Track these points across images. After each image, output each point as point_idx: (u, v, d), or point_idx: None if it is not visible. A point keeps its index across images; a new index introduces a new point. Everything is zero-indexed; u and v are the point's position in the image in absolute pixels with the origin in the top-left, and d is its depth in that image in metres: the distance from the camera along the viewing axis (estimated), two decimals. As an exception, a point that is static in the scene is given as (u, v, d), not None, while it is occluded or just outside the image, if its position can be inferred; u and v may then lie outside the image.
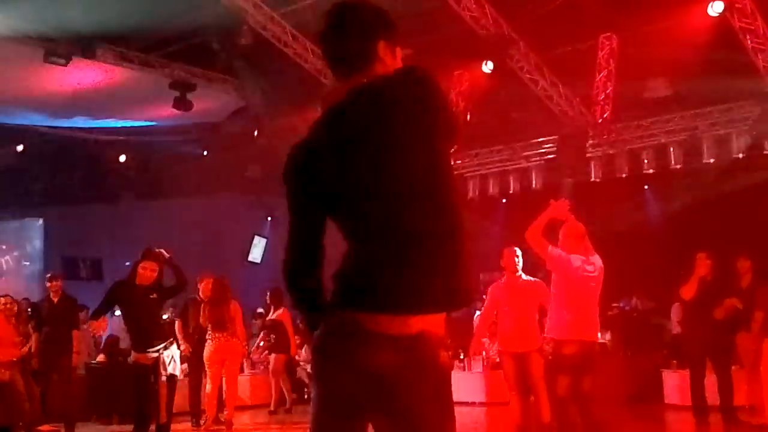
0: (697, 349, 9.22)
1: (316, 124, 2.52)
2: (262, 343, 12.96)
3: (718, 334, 9.00)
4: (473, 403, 12.48)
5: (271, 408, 12.19)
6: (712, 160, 13.86)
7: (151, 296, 6.76)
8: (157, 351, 6.65)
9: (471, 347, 9.81)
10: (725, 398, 9.14)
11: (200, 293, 10.43)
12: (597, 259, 6.59)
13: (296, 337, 14.57)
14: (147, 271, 6.77)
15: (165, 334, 6.97)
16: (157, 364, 6.60)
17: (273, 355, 12.19)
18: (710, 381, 9.21)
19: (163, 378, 6.92)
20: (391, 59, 2.56)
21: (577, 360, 6.39)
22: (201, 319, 10.16)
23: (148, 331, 6.69)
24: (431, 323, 2.38)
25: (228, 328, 10.15)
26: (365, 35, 2.54)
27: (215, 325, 10.12)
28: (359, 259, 2.41)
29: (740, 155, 13.52)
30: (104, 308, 7.00)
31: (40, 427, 9.78)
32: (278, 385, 12.33)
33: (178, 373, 7.55)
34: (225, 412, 10.30)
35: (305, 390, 14.43)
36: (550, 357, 6.70)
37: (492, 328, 8.69)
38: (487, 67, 13.85)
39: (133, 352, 6.82)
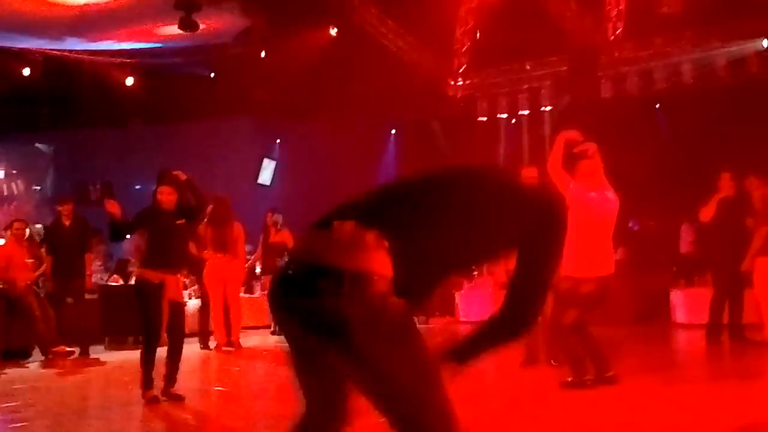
0: (720, 269, 9.28)
1: None
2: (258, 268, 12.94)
3: (737, 250, 9.02)
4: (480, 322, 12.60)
5: (273, 329, 12.26)
6: (724, 79, 13.69)
7: (179, 221, 6.73)
8: (166, 273, 6.65)
9: (492, 267, 9.80)
10: (735, 317, 9.23)
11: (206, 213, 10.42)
12: (612, 194, 6.51)
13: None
14: (165, 196, 6.71)
15: (181, 261, 6.98)
16: (162, 285, 6.61)
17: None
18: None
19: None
20: None
21: (593, 296, 6.41)
22: (204, 239, 10.16)
23: (167, 254, 6.68)
24: None
25: (230, 249, 10.19)
26: None
27: (217, 245, 10.16)
28: None
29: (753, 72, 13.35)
30: (128, 228, 6.88)
31: (55, 349, 9.95)
32: None
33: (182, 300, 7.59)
34: (231, 333, 10.43)
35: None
36: (563, 293, 6.62)
37: None
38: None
39: (141, 269, 6.80)
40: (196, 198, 6.95)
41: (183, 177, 6.83)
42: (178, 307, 6.83)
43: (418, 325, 2.32)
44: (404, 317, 2.24)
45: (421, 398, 2.22)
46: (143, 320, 6.73)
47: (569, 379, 6.47)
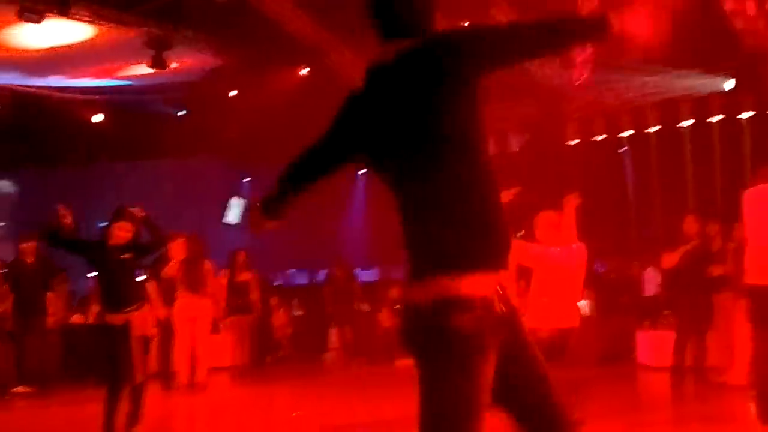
0: (683, 312, 9.36)
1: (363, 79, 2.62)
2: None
3: (700, 297, 9.11)
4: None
5: (238, 367, 12.12)
6: (688, 124, 13.94)
7: (124, 256, 6.65)
8: (129, 312, 6.58)
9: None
10: (699, 359, 9.30)
11: (170, 252, 10.36)
12: (578, 246, 6.47)
13: (273, 298, 14.62)
14: (121, 231, 6.66)
15: (138, 296, 6.90)
16: (128, 325, 6.54)
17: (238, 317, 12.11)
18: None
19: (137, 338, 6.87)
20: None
21: (550, 346, 6.37)
22: (170, 274, 10.10)
23: (120, 292, 6.60)
24: None
25: (201, 288, 10.17)
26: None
27: (188, 284, 10.12)
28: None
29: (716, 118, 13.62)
30: (69, 244, 6.79)
31: (14, 389, 9.76)
32: (245, 346, 12.29)
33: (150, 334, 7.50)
34: (197, 373, 10.31)
35: (281, 351, 14.52)
36: None
37: None
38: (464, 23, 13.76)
39: (104, 313, 6.73)
40: (153, 235, 6.90)
41: (140, 214, 6.80)
42: (146, 341, 6.77)
43: None
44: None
45: None
46: (109, 364, 6.62)
47: None
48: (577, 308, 6.57)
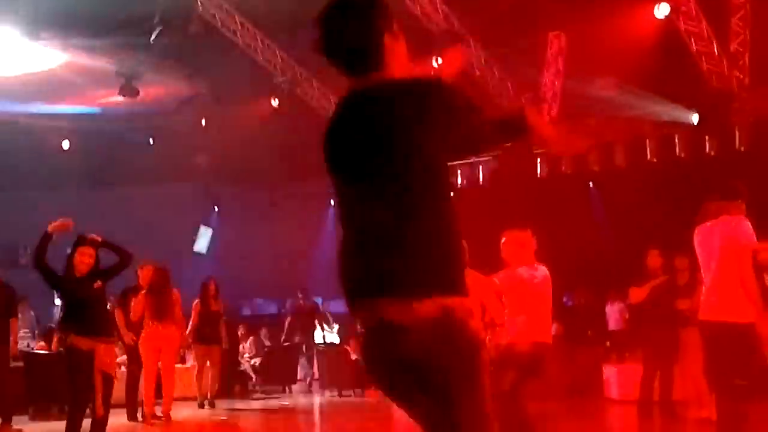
0: (649, 346, 9.43)
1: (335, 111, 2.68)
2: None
3: (666, 330, 9.18)
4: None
5: (205, 397, 11.96)
6: (655, 160, 14.14)
7: (95, 285, 6.63)
8: (97, 341, 6.53)
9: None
10: (665, 393, 9.34)
11: (140, 281, 10.30)
12: (542, 269, 6.66)
13: (241, 328, 14.50)
14: (85, 257, 6.63)
15: (106, 328, 6.85)
16: (93, 353, 6.47)
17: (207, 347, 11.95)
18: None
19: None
20: (399, 49, 2.65)
21: (528, 359, 6.46)
22: (138, 308, 10.02)
23: (89, 322, 6.55)
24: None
25: (167, 317, 10.07)
26: (371, 30, 2.60)
27: (155, 313, 10.03)
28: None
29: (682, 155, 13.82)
30: (48, 275, 6.71)
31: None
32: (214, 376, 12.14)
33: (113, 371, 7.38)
34: (163, 405, 10.18)
35: (249, 382, 14.39)
36: (498, 358, 6.71)
37: None
38: (437, 62, 13.89)
39: (71, 335, 6.62)
40: (118, 254, 6.87)
41: (98, 239, 6.79)
42: (109, 379, 6.68)
43: None
44: None
45: None
46: (70, 390, 6.56)
47: None
48: (550, 326, 6.70)
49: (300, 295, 15.40)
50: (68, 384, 6.53)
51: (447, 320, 2.40)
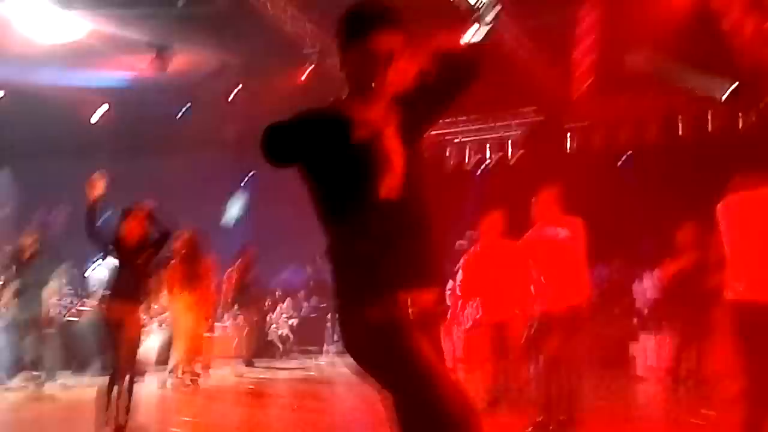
0: (680, 320, 9.38)
1: None
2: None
3: (698, 306, 9.12)
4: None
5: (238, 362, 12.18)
6: (687, 135, 14.02)
7: (142, 256, 6.76)
8: (129, 308, 6.67)
9: (456, 317, 9.85)
10: (695, 367, 9.31)
11: (175, 248, 10.44)
12: (573, 222, 6.61)
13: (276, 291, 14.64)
14: (133, 227, 6.75)
15: (138, 298, 6.96)
16: (125, 320, 6.62)
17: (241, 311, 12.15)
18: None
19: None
20: None
21: (567, 320, 6.46)
22: (171, 275, 10.18)
23: (126, 290, 6.69)
24: None
25: (198, 284, 10.21)
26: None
27: (185, 281, 10.18)
28: None
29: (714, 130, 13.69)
30: (100, 236, 6.83)
31: (14, 380, 9.78)
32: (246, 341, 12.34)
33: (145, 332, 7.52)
34: (197, 366, 10.36)
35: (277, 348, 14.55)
36: (535, 322, 6.72)
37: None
38: (468, 34, 13.79)
39: (109, 302, 6.79)
40: (158, 230, 6.97)
41: (148, 207, 6.87)
42: (136, 343, 6.83)
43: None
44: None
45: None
46: (108, 354, 6.78)
47: (539, 419, 6.47)
48: (585, 283, 6.63)
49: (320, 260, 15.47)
50: (104, 350, 6.74)
51: None
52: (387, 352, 2.59)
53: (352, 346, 2.70)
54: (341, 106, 2.74)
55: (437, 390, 2.53)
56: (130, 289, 6.70)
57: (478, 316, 9.13)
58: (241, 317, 12.10)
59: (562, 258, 6.51)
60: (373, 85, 2.64)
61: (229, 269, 12.02)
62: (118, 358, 6.63)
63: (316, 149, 2.64)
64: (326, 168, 2.67)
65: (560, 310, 6.43)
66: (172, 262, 10.27)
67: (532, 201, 6.81)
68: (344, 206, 2.70)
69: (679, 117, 14.23)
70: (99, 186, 6.75)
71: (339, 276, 2.70)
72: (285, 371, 13.11)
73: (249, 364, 12.11)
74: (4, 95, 16.52)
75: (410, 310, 2.61)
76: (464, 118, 16.39)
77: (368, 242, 2.63)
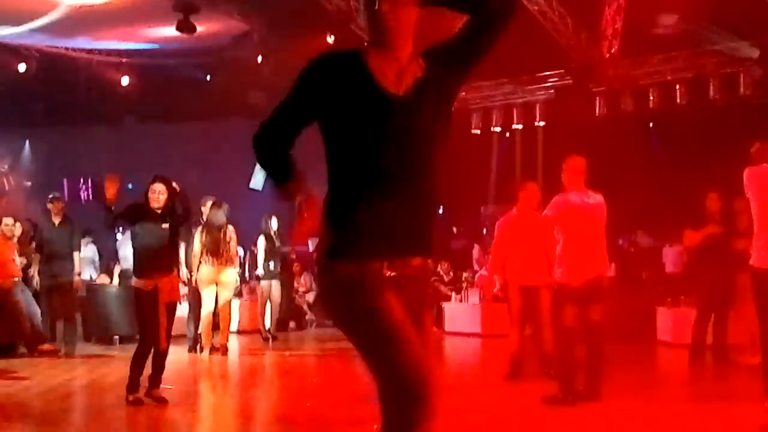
0: (705, 291, 9.30)
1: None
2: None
3: (722, 275, 9.04)
4: (470, 334, 12.64)
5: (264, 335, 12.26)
6: (718, 97, 13.81)
7: (163, 226, 6.79)
8: (158, 278, 6.71)
9: (484, 282, 9.86)
10: (719, 337, 9.25)
11: (203, 216, 10.49)
12: (595, 195, 6.62)
13: (296, 264, 14.67)
14: (157, 194, 6.79)
15: (169, 263, 7.00)
16: (156, 290, 6.67)
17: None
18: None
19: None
20: None
21: (585, 292, 6.44)
22: (195, 245, 10.24)
23: (153, 260, 6.72)
24: None
25: (222, 253, 10.23)
26: None
27: (210, 249, 10.22)
28: None
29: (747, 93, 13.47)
30: (119, 217, 6.98)
31: (41, 347, 9.91)
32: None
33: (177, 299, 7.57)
34: (219, 337, 10.44)
35: (304, 317, 14.63)
36: (556, 295, 6.74)
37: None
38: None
39: (134, 278, 6.86)
40: (182, 206, 7.00)
41: (169, 179, 6.91)
42: (173, 309, 6.89)
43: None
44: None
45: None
46: (139, 325, 6.85)
47: (556, 395, 6.48)
48: (605, 257, 6.64)
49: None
50: (137, 320, 6.82)
51: None
52: (352, 310, 2.62)
53: (325, 299, 2.75)
54: (361, 52, 2.72)
55: (397, 355, 2.52)
56: (156, 259, 6.73)
57: (496, 287, 9.15)
58: (268, 285, 12.13)
59: (586, 225, 6.48)
60: (380, 31, 2.66)
61: (258, 236, 12.06)
62: (149, 327, 6.68)
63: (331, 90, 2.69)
64: (338, 117, 2.69)
65: (579, 282, 6.40)
66: (195, 231, 10.30)
67: (563, 165, 6.76)
68: (346, 161, 2.69)
69: (710, 80, 13.99)
70: (112, 189, 6.88)
71: (326, 228, 2.68)
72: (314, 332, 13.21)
73: (274, 338, 12.18)
74: (29, 65, 16.59)
75: (388, 274, 2.61)
76: (491, 82, 16.24)
77: (359, 202, 2.63)
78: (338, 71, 2.69)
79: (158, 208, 6.76)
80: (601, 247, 6.59)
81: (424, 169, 2.66)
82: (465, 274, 14.62)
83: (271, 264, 12.03)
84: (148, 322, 6.66)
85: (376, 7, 2.63)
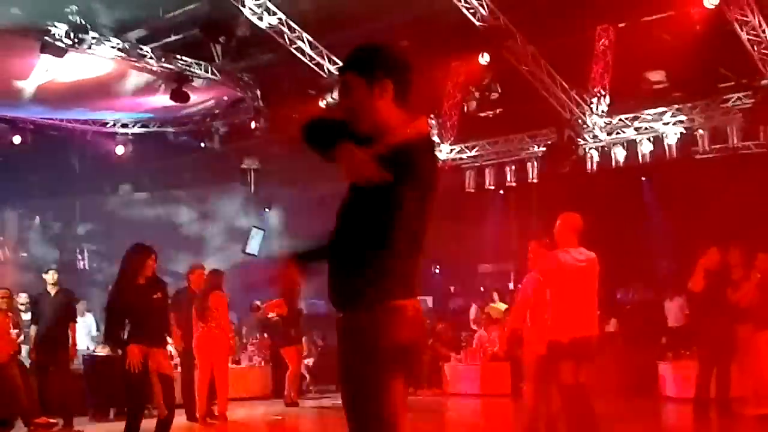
0: (706, 342, 9.26)
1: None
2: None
3: (724, 326, 9.01)
4: (469, 395, 12.52)
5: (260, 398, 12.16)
6: (708, 149, 13.91)
7: (155, 296, 6.74)
8: (150, 347, 6.65)
9: (506, 341, 9.78)
10: (722, 390, 9.17)
11: (191, 285, 10.46)
12: (588, 253, 6.61)
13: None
14: (149, 267, 6.75)
15: (162, 333, 6.95)
16: (146, 359, 6.61)
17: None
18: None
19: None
20: None
21: (578, 350, 6.41)
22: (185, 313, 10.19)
23: (147, 329, 6.67)
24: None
25: (209, 319, 10.13)
26: None
27: (198, 315, 10.16)
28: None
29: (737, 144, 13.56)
30: (118, 324, 6.87)
31: (37, 420, 9.79)
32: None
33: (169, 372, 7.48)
34: (217, 405, 10.31)
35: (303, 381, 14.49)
36: (551, 353, 6.68)
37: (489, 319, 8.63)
38: (484, 59, 13.82)
39: (126, 345, 6.77)
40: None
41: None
42: (167, 379, 6.81)
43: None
44: None
45: None
46: (126, 394, 6.74)
47: None
48: (595, 316, 6.59)
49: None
50: (125, 389, 6.69)
51: None
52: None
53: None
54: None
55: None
56: (149, 328, 6.67)
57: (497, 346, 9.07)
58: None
59: (577, 284, 6.47)
60: (348, 113, 3.13)
61: (269, 302, 12.01)
62: (141, 397, 6.61)
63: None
64: None
65: (568, 339, 6.38)
66: (184, 299, 10.26)
67: (557, 224, 6.78)
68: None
69: (698, 133, 14.12)
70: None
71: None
72: (311, 401, 13.05)
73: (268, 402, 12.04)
74: (24, 137, 16.72)
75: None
76: (483, 141, 16.38)
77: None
78: None
79: (145, 281, 6.73)
80: (590, 306, 6.56)
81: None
82: (463, 334, 14.55)
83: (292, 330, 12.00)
84: (137, 388, 6.57)
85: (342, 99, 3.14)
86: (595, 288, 6.61)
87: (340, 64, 14.62)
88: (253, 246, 18.72)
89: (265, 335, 13.68)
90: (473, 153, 16.70)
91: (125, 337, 6.73)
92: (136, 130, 17.54)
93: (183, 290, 10.58)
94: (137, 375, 6.55)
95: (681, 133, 14.14)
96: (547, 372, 7.83)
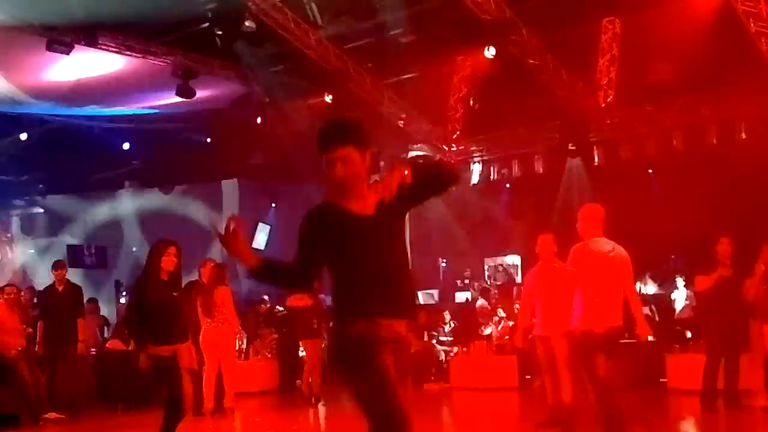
0: (715, 336, 9.22)
1: None
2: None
3: (734, 320, 8.98)
4: (475, 389, 12.52)
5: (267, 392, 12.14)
6: (715, 142, 13.87)
7: (175, 293, 6.71)
8: (177, 344, 6.64)
9: (515, 338, 9.79)
10: (731, 383, 9.14)
11: (201, 278, 10.48)
12: (617, 246, 6.58)
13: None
14: (171, 258, 6.69)
15: (184, 329, 6.93)
16: (176, 357, 6.60)
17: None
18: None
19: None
20: None
21: (607, 340, 6.39)
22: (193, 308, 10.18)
23: (170, 327, 6.63)
24: None
25: (215, 314, 10.12)
26: None
27: (204, 311, 10.16)
28: None
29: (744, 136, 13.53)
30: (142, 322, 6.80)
31: (45, 415, 9.83)
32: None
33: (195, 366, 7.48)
34: (224, 400, 10.33)
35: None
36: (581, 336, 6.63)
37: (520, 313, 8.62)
38: (490, 52, 13.79)
39: (151, 345, 6.66)
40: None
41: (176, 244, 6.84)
42: (194, 374, 6.81)
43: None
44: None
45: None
46: (167, 395, 6.60)
47: None
48: (620, 308, 6.56)
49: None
50: (164, 390, 6.60)
51: None
52: (360, 361, 3.41)
53: (336, 356, 3.51)
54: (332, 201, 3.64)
55: (392, 399, 3.39)
56: (172, 326, 6.62)
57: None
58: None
59: (607, 274, 6.44)
60: (338, 187, 3.54)
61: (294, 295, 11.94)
62: (181, 395, 6.55)
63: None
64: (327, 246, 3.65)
65: (605, 330, 6.35)
66: (194, 292, 10.25)
67: (579, 214, 6.76)
68: (338, 266, 3.61)
69: (706, 126, 14.06)
70: None
71: (336, 306, 3.57)
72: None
73: (276, 397, 12.00)
74: (31, 133, 16.76)
75: (383, 333, 3.43)
76: (489, 135, 16.36)
77: (355, 285, 3.53)
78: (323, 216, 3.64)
79: (165, 276, 6.67)
80: (617, 299, 6.52)
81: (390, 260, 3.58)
82: (470, 327, 14.53)
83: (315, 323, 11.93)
84: (176, 388, 6.50)
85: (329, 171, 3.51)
86: (620, 281, 6.54)
87: (346, 60, 14.77)
88: (260, 240, 18.75)
89: (272, 329, 13.65)
90: (479, 146, 16.68)
91: (149, 335, 6.65)
92: (143, 125, 17.55)
93: (194, 282, 10.56)
94: (173, 375, 6.51)
95: (688, 126, 14.12)
96: (578, 363, 7.79)
